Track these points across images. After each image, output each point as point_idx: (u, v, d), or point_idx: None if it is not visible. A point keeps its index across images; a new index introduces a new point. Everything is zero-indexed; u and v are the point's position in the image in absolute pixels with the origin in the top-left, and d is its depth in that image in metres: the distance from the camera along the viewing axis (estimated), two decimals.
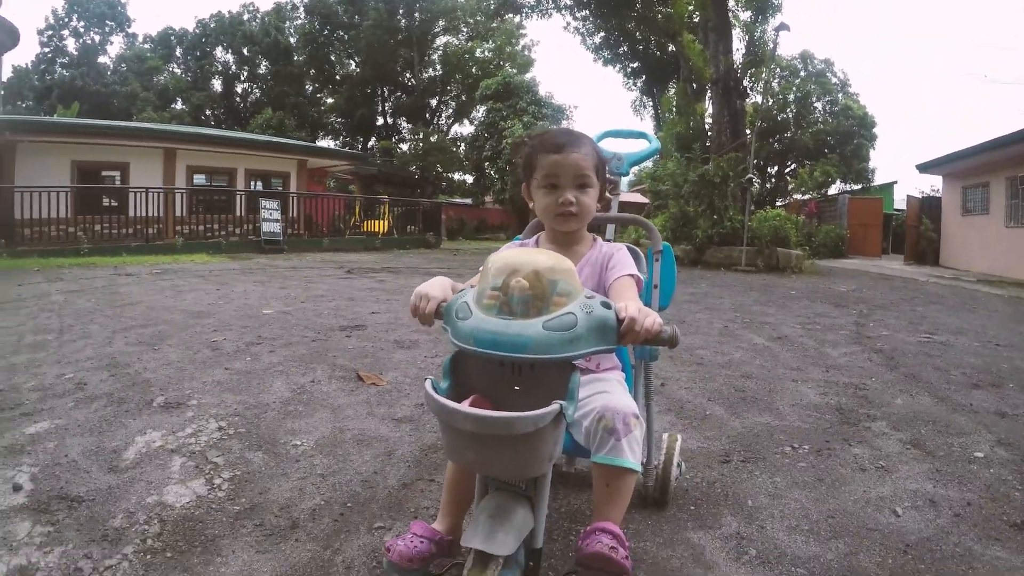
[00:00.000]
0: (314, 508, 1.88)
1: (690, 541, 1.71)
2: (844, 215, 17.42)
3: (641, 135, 2.21)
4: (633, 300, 1.27)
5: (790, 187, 21.74)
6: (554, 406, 1.04)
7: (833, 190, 20.88)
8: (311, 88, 35.94)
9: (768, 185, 22.05)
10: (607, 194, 1.60)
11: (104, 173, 14.36)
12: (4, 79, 25.15)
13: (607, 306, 1.13)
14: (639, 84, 25.22)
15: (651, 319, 1.13)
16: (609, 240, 1.95)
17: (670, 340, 1.14)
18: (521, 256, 1.17)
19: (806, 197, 20.52)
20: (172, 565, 1.58)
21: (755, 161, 18.87)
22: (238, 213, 14.56)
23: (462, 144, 31.27)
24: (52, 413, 2.63)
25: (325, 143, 34.34)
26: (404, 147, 32.91)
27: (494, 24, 29.69)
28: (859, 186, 20.90)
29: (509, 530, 1.13)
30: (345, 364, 3.54)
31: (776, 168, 22.44)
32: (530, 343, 1.05)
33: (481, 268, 1.22)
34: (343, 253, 13.79)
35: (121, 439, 2.36)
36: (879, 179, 21.99)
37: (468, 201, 30.04)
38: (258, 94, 36.76)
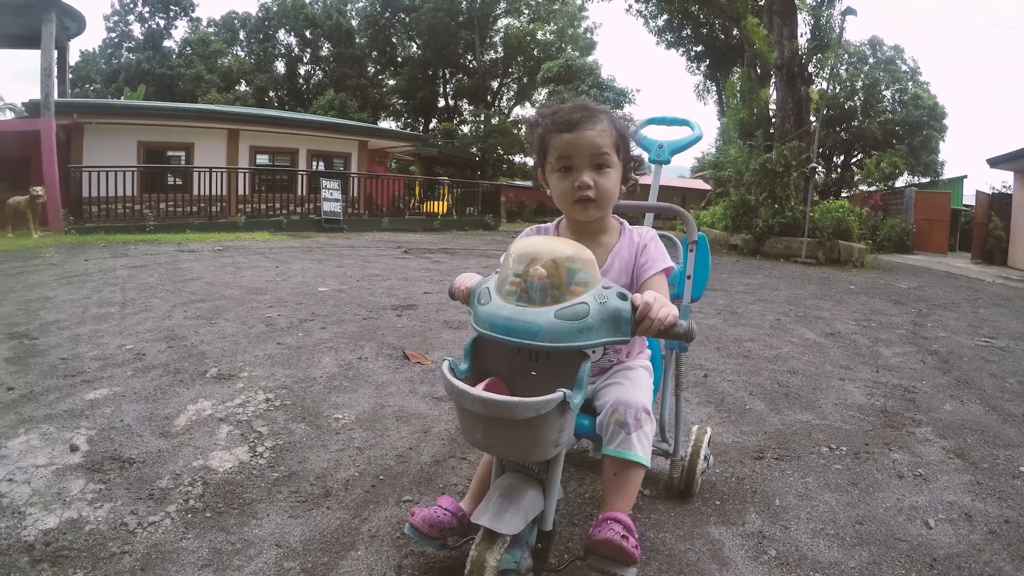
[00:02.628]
0: (348, 479, 1.96)
1: (710, 536, 1.69)
2: (910, 209, 16.50)
3: (684, 122, 2.16)
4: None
5: (855, 178, 20.74)
6: (557, 394, 1.06)
7: (900, 183, 19.83)
8: (373, 70, 36.46)
9: (833, 175, 21.12)
10: (632, 175, 1.47)
11: (169, 153, 14.97)
12: (72, 63, 26.65)
13: (623, 297, 1.12)
14: (703, 68, 24.48)
15: (665, 311, 1.11)
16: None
17: (685, 334, 1.13)
18: (542, 245, 1.17)
19: (872, 189, 19.55)
20: (210, 524, 1.69)
21: (820, 150, 18.14)
22: (299, 192, 14.96)
23: (523, 127, 31.17)
24: (111, 381, 2.81)
25: (387, 124, 34.89)
26: (465, 129, 33.08)
27: (555, 6, 29.34)
28: (927, 179, 19.77)
29: (517, 511, 1.17)
30: (393, 342, 3.63)
31: (842, 158, 21.45)
32: (540, 331, 1.07)
33: (504, 255, 1.23)
34: (402, 233, 13.96)
35: (174, 407, 2.51)
36: (948, 173, 20.83)
37: (528, 184, 30.00)
38: (321, 76, 37.54)
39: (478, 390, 1.08)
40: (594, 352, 1.44)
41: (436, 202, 17.71)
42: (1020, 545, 1.74)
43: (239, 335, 3.68)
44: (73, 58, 32.82)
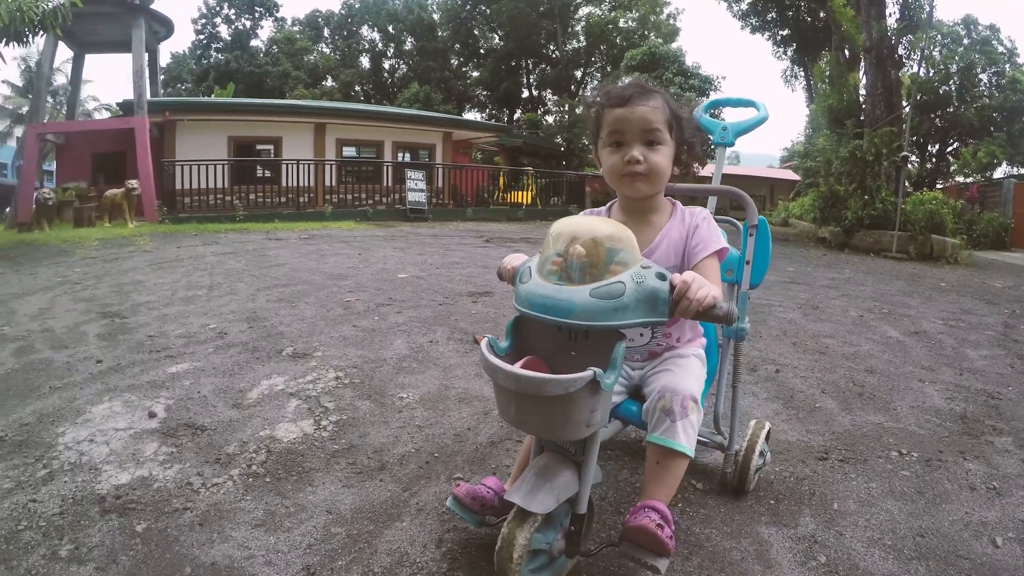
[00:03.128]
0: (404, 454, 2.04)
1: (759, 535, 1.64)
2: (1009, 202, 14.95)
3: (750, 103, 2.08)
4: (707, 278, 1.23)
5: (951, 168, 19.12)
6: (587, 372, 1.06)
7: (998, 173, 18.01)
8: (456, 62, 36.96)
9: (928, 165, 19.58)
10: (686, 157, 1.44)
11: (258, 147, 15.77)
12: (163, 64, 28.55)
13: (662, 277, 1.10)
14: (789, 53, 23.23)
15: (704, 291, 1.08)
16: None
17: (725, 317, 1.10)
18: (582, 224, 1.17)
19: (968, 180, 17.97)
20: (268, 488, 1.81)
21: (913, 138, 16.90)
22: (385, 183, 15.41)
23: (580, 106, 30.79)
24: (192, 356, 3.03)
25: (471, 115, 35.29)
26: (550, 119, 33.04)
27: None
28: None
29: (550, 491, 1.18)
30: (465, 327, 3.71)
31: (936, 147, 19.81)
32: (575, 309, 1.07)
33: (547, 235, 1.24)
34: (485, 223, 14.07)
35: (248, 381, 2.68)
36: None
37: None
38: (405, 69, 38.44)
39: (511, 366, 1.10)
40: (640, 335, 1.42)
41: (520, 192, 17.73)
42: None
43: (317, 317, 3.86)
44: (164, 59, 35.10)
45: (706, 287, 1.10)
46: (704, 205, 1.86)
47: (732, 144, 1.97)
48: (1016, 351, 3.85)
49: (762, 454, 1.81)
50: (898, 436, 2.34)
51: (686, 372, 1.37)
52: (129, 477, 1.86)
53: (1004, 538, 1.68)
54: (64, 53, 15.54)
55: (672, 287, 1.10)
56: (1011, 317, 5.11)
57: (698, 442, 1.78)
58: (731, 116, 2.16)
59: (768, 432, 1.86)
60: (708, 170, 2.02)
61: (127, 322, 3.73)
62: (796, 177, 22.25)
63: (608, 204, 1.54)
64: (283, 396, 2.52)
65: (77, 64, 15.84)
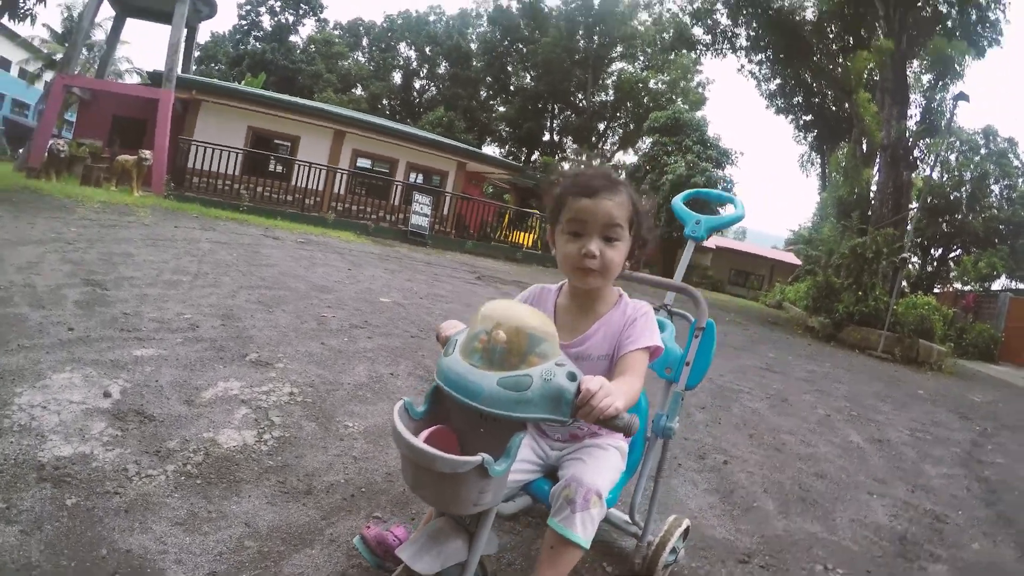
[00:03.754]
0: (333, 483, 2.05)
1: None
2: (1003, 315, 15.19)
3: (729, 199, 2.15)
4: (619, 380, 1.26)
5: (951, 274, 19.39)
6: (475, 458, 1.09)
7: (996, 285, 18.35)
8: (485, 94, 37.67)
9: (928, 268, 19.85)
10: (638, 253, 1.46)
11: (276, 142, 15.94)
12: (201, 42, 28.82)
13: (572, 377, 1.13)
14: (809, 139, 23.74)
15: (608, 400, 1.09)
16: (661, 306, 1.91)
17: (625, 428, 1.12)
18: (511, 311, 1.19)
19: (966, 288, 18.22)
20: (197, 490, 1.85)
21: (919, 240, 17.14)
22: (392, 201, 15.53)
23: (623, 173, 31.16)
24: (160, 344, 3.05)
25: (490, 149, 35.83)
26: (566, 166, 33.40)
27: (671, 56, 29.44)
28: None
29: (437, 555, 1.21)
30: (430, 365, 3.71)
31: (940, 251, 20.14)
32: (481, 394, 1.10)
33: (475, 314, 1.26)
34: (483, 258, 14.13)
35: (206, 380, 2.70)
36: None
37: None
38: (434, 92, 39.14)
39: (410, 435, 1.13)
40: (552, 426, 1.44)
41: (524, 233, 17.83)
42: None
43: (289, 328, 3.88)
44: (203, 37, 35.69)
45: (611, 396, 1.11)
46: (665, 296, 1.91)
47: (704, 239, 2.01)
48: (977, 472, 3.85)
49: (674, 551, 1.80)
50: (829, 549, 2.31)
51: (599, 465, 1.38)
52: (71, 451, 1.91)
53: None
54: (107, 11, 15.79)
55: (579, 390, 1.12)
56: (981, 435, 5.12)
57: (613, 528, 1.80)
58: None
59: (686, 529, 1.86)
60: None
61: (107, 295, 3.78)
62: (798, 261, 22.51)
63: (560, 284, 1.55)
64: (235, 402, 2.54)
65: (117, 25, 16.12)
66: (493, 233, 17.47)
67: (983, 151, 19.41)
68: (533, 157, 35.75)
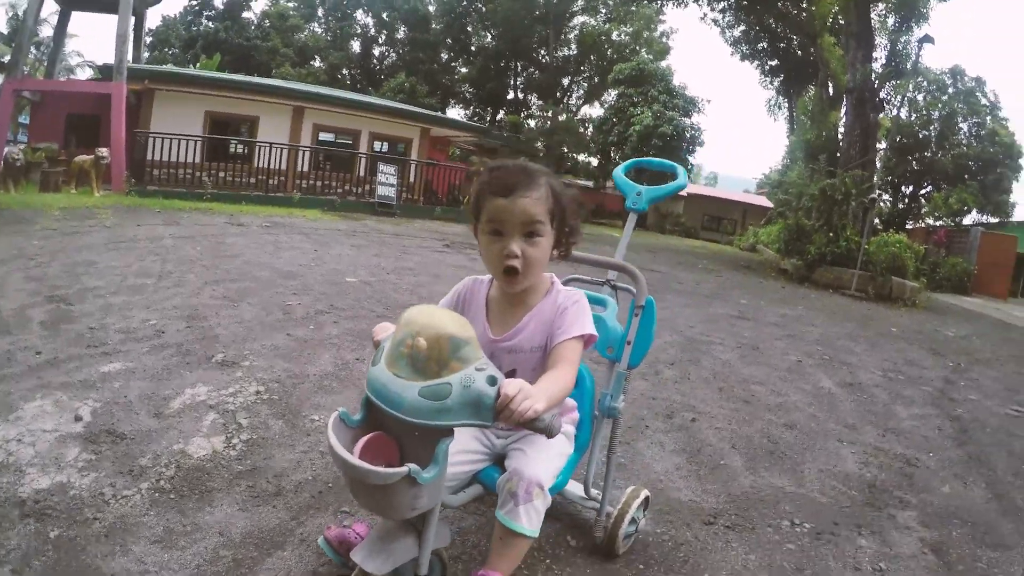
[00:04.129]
0: (301, 482, 2.07)
1: None
2: (974, 249, 15.67)
3: (671, 168, 2.13)
4: (548, 375, 1.28)
5: (923, 210, 19.76)
6: (403, 469, 1.12)
7: (968, 220, 18.80)
8: (446, 57, 36.79)
9: (900, 205, 20.17)
10: (565, 241, 1.46)
11: (235, 125, 15.54)
12: (152, 27, 27.67)
13: (492, 382, 1.14)
14: (776, 83, 23.69)
15: (527, 404, 1.10)
16: (605, 281, 1.90)
17: (545, 431, 1.15)
18: (429, 317, 1.20)
19: (938, 224, 18.62)
20: (171, 505, 1.86)
21: (889, 178, 17.37)
22: (357, 173, 15.29)
23: (590, 126, 31.02)
24: (127, 356, 3.01)
25: (455, 111, 35.24)
26: (532, 123, 33.12)
27: (632, 7, 28.92)
28: (996, 220, 18.67)
29: (388, 555, 1.26)
30: None
31: (911, 188, 20.44)
32: (404, 404, 1.13)
33: (399, 319, 1.27)
34: (453, 224, 14.02)
35: (174, 388, 2.68)
36: (1019, 215, 19.62)
37: (589, 184, 29.87)
38: (394, 58, 38.10)
39: (342, 449, 1.16)
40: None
41: None
42: None
43: (255, 321, 3.85)
44: (153, 22, 34.25)
45: (530, 400, 1.11)
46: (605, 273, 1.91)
47: (644, 210, 2.00)
48: (949, 411, 3.93)
49: (634, 521, 1.83)
50: (796, 503, 2.35)
51: (539, 454, 1.40)
52: (49, 482, 1.91)
53: None
54: (51, 6, 15.07)
55: (498, 395, 1.13)
56: (954, 371, 5.23)
57: (567, 500, 1.84)
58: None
59: (646, 499, 1.89)
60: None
61: (72, 310, 3.71)
62: (769, 204, 22.68)
63: (491, 277, 1.53)
64: (203, 408, 2.53)
65: (63, 20, 15.41)
66: (462, 197, 17.35)
67: (951, 90, 19.55)
68: (499, 116, 35.29)
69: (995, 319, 10.36)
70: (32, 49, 20.19)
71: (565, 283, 1.71)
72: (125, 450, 2.13)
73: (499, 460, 1.49)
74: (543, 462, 1.39)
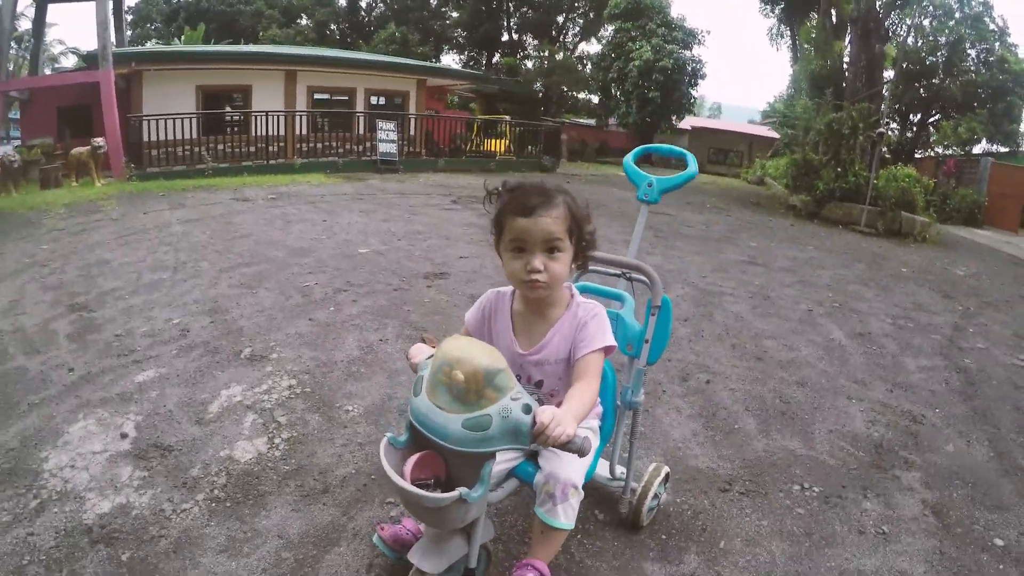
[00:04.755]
0: (345, 476, 2.20)
1: (643, 571, 1.81)
2: (985, 180, 15.34)
3: (680, 154, 2.17)
4: (574, 391, 1.40)
5: (932, 139, 19.31)
6: (454, 493, 1.27)
7: (977, 149, 18.36)
8: (436, 2, 35.63)
9: (908, 134, 19.72)
10: (583, 254, 1.55)
11: (228, 96, 15.28)
12: (132, 3, 26.73)
13: (527, 410, 1.27)
14: (777, 11, 22.81)
15: (560, 430, 1.23)
16: (621, 274, 1.97)
17: (578, 451, 1.27)
18: (465, 352, 1.31)
19: (947, 153, 18.25)
20: (229, 513, 1.97)
21: (897, 106, 16.94)
22: (357, 131, 15.11)
23: (588, 63, 30.25)
24: (158, 361, 3.11)
25: (449, 58, 34.34)
26: (529, 64, 32.32)
27: None
28: (1006, 149, 18.23)
29: (442, 555, 1.42)
30: (416, 321, 3.82)
31: (919, 116, 19.92)
32: (449, 436, 1.27)
33: (436, 351, 1.39)
34: (458, 175, 13.91)
35: (210, 391, 2.79)
36: None
37: (592, 122, 29.33)
38: (382, 8, 36.91)
39: (398, 478, 1.29)
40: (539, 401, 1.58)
41: (495, 140, 17.52)
42: None
43: (275, 308, 3.94)
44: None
45: (562, 426, 1.24)
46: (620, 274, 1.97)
47: (656, 201, 2.04)
48: (957, 362, 3.97)
49: (656, 496, 1.98)
50: (807, 467, 2.47)
51: (573, 457, 1.50)
52: (110, 505, 1.99)
53: None
54: (26, 0, 14.78)
55: (534, 422, 1.25)
56: (963, 316, 5.24)
57: (596, 481, 1.97)
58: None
59: (666, 475, 2.03)
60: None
61: (95, 317, 3.75)
62: (775, 135, 22.27)
63: (511, 289, 1.62)
64: (241, 409, 2.64)
65: (39, 15, 14.99)
66: (464, 146, 17.19)
67: (957, 15, 18.77)
68: (494, 60, 34.40)
69: (1006, 255, 10.22)
70: (13, 45, 19.74)
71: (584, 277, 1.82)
72: (175, 462, 2.23)
73: (532, 455, 1.61)
74: (574, 463, 1.50)
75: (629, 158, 2.14)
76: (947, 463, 2.64)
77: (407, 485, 1.28)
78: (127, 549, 1.79)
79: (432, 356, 1.41)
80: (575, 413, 1.33)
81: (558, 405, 1.37)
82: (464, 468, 1.34)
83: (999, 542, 2.11)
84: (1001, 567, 1.98)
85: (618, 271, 1.98)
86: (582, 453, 1.28)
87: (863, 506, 2.24)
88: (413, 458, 1.35)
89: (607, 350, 1.50)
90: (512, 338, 1.59)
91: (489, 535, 1.54)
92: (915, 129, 20.01)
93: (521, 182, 1.52)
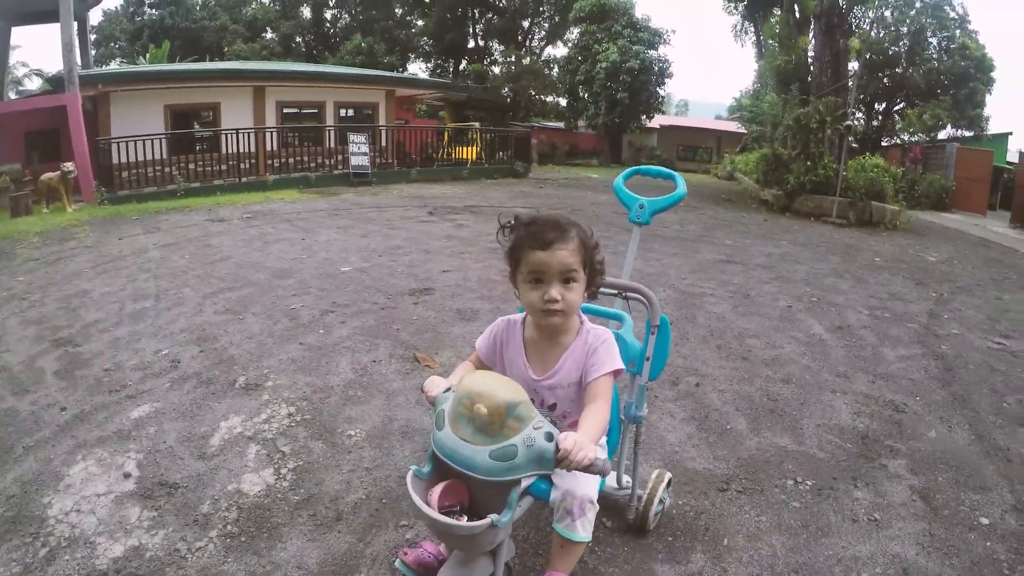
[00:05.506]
0: (356, 502, 2.22)
1: (654, 573, 1.89)
2: (951, 166, 15.89)
3: (669, 175, 2.24)
4: (589, 412, 1.48)
5: (897, 127, 19.82)
6: (485, 521, 1.33)
7: (942, 135, 18.94)
8: (401, 11, 35.62)
9: (874, 123, 20.22)
10: (594, 282, 1.63)
11: (197, 113, 15.14)
12: (95, 23, 26.34)
13: (549, 438, 1.34)
14: (741, 8, 23.23)
15: (583, 454, 1.31)
16: (618, 293, 2.04)
17: (599, 472, 1.35)
18: (485, 386, 1.37)
19: (913, 140, 18.77)
20: (245, 548, 1.98)
21: (861, 96, 17.35)
22: (328, 144, 15.11)
23: (555, 67, 30.51)
24: (151, 395, 3.07)
25: (415, 67, 34.45)
26: (496, 70, 32.48)
27: None
28: (971, 134, 18.81)
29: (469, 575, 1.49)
30: (407, 340, 3.84)
31: (884, 105, 20.44)
32: (478, 467, 1.33)
33: (456, 385, 1.44)
34: (430, 185, 13.95)
35: (209, 425, 2.78)
36: (993, 128, 19.79)
37: (560, 125, 29.53)
38: (347, 19, 36.83)
39: (430, 509, 1.36)
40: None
41: (466, 147, 17.61)
42: None
43: (264, 333, 3.93)
44: (96, 18, 32.76)
45: (584, 450, 1.31)
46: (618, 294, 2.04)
47: (648, 223, 2.11)
48: (933, 349, 4.12)
49: (661, 501, 2.07)
50: (798, 461, 2.58)
51: (586, 474, 1.59)
52: (122, 549, 1.96)
53: (870, 574, 1.91)
54: None
55: (557, 448, 1.33)
56: (937, 303, 5.41)
57: (605, 492, 2.02)
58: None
59: (669, 481, 2.11)
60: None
61: (81, 351, 3.69)
62: (743, 130, 22.66)
63: (522, 317, 1.70)
64: (242, 441, 2.64)
65: (3, 37, 14.73)
66: (436, 155, 17.26)
67: (918, 4, 19.32)
68: (461, 67, 34.52)
69: (975, 237, 10.57)
70: None
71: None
72: (183, 500, 2.21)
73: (545, 474, 1.68)
74: (590, 478, 1.57)
75: (619, 181, 2.21)
76: (931, 449, 2.75)
77: (440, 516, 1.34)
78: None
79: (449, 389, 1.47)
80: (592, 436, 1.41)
81: (571, 425, 1.43)
82: (487, 494, 1.41)
83: (984, 521, 2.21)
84: (988, 544, 2.08)
85: (614, 291, 2.05)
86: (603, 473, 1.36)
87: (854, 495, 2.34)
88: (438, 488, 1.41)
89: (616, 373, 1.58)
90: (525, 363, 1.66)
91: (511, 553, 1.61)
92: (880, 118, 20.51)
93: (535, 216, 1.59)
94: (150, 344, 3.78)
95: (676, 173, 2.19)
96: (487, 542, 1.40)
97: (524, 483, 1.60)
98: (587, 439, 1.36)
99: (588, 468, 1.32)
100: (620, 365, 1.58)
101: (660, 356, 1.85)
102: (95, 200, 10.79)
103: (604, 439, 1.75)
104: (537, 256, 1.51)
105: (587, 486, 1.54)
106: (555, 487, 1.56)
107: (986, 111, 18.80)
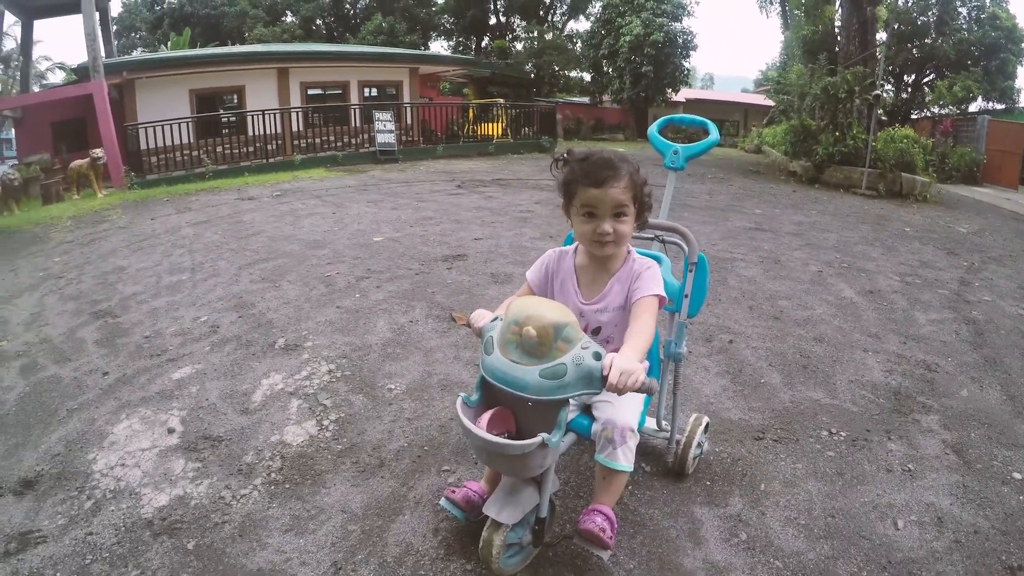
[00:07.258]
0: (398, 449, 2.30)
1: (693, 515, 1.93)
2: (982, 138, 15.30)
3: (702, 123, 2.24)
4: (633, 329, 1.52)
5: (927, 99, 19.16)
6: (537, 439, 1.38)
7: (973, 107, 18.22)
8: None
9: (903, 95, 19.59)
10: (642, 216, 1.69)
11: (221, 97, 15.27)
12: (115, 14, 26.66)
13: (597, 357, 1.38)
14: None
15: (632, 378, 1.35)
16: (654, 237, 2.07)
17: (646, 391, 1.39)
18: (534, 309, 1.42)
19: (943, 113, 18.15)
20: (289, 494, 2.05)
21: (890, 68, 16.86)
22: (353, 124, 15.15)
23: (578, 42, 30.09)
24: (192, 358, 3.16)
25: (437, 45, 34.19)
26: (518, 46, 32.15)
27: None
28: (1002, 106, 18.08)
29: (516, 505, 1.54)
30: (442, 301, 3.91)
31: (913, 77, 19.75)
32: (528, 386, 1.37)
33: (505, 308, 1.50)
34: (457, 160, 13.99)
35: (250, 382, 2.87)
36: None
37: (585, 100, 29.22)
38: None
39: (481, 431, 1.40)
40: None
41: (491, 124, 17.52)
42: (980, 558, 1.76)
43: (301, 299, 4.01)
44: (116, 9, 33.11)
45: (629, 372, 1.35)
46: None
47: (683, 168, 2.12)
48: (965, 314, 4.06)
49: (699, 444, 2.10)
50: (832, 414, 2.59)
51: (626, 404, 1.64)
52: (167, 498, 2.04)
53: (906, 521, 1.93)
54: (10, 19, 14.76)
55: (603, 373, 1.36)
56: (968, 271, 5.30)
57: (644, 435, 2.08)
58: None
59: (707, 425, 2.15)
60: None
61: (120, 322, 3.79)
62: (770, 103, 22.17)
63: (573, 246, 1.78)
64: (284, 396, 2.72)
65: (26, 32, 15.05)
66: (460, 131, 17.22)
67: None
68: (483, 44, 34.21)
69: (1007, 211, 10.26)
70: (0, 66, 19.80)
71: None
72: (227, 451, 2.28)
73: (586, 409, 1.72)
74: (629, 408, 1.63)
75: (653, 129, 2.22)
76: (963, 407, 2.75)
77: (492, 437, 1.39)
78: (191, 538, 1.82)
79: (496, 318, 1.52)
80: (638, 350, 1.45)
81: (615, 351, 1.47)
82: (534, 420, 1.45)
83: (1017, 476, 2.22)
84: (1021, 498, 2.09)
85: (651, 234, 2.07)
86: (650, 392, 1.40)
87: (888, 447, 2.36)
88: (487, 415, 1.47)
89: (660, 300, 1.62)
90: (576, 288, 1.73)
91: (555, 487, 1.66)
92: (910, 90, 19.84)
93: (588, 152, 1.65)
94: (188, 312, 3.87)
95: (708, 120, 2.20)
96: (536, 464, 1.43)
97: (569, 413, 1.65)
98: (633, 358, 1.39)
99: (635, 390, 1.36)
100: (663, 292, 1.63)
101: (698, 293, 1.87)
102: (125, 185, 11.00)
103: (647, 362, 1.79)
104: (591, 193, 1.59)
105: (627, 415, 1.59)
106: (595, 419, 1.61)
107: (1017, 83, 18.09)
